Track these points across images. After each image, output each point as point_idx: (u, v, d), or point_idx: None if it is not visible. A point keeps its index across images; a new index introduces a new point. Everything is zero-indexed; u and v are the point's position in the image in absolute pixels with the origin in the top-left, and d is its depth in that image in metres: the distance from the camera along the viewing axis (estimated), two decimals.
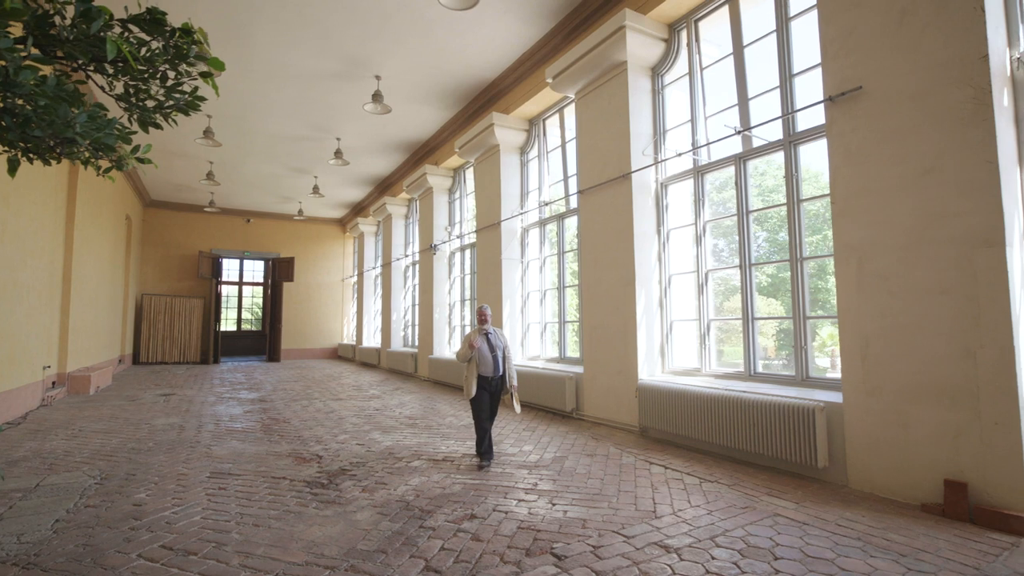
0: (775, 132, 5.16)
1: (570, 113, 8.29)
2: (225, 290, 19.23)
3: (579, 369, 7.23)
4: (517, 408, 5.08)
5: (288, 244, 19.29)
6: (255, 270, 19.94)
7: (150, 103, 2.02)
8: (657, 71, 6.47)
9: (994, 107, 3.37)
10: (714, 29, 6.12)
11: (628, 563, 2.81)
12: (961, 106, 3.51)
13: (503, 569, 2.76)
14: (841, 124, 4.17)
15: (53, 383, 8.92)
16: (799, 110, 4.88)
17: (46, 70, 1.85)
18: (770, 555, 2.90)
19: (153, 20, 1.76)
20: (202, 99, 2.10)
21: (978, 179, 3.41)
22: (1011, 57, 3.58)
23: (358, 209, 18.04)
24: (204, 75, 2.01)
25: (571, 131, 8.18)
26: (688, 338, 6.16)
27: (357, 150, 12.40)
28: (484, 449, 4.81)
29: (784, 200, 5.02)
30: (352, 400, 9.00)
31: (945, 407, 3.52)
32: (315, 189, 14.59)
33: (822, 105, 4.37)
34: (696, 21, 6.08)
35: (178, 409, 7.96)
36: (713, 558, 2.87)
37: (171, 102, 2.03)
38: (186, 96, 2.02)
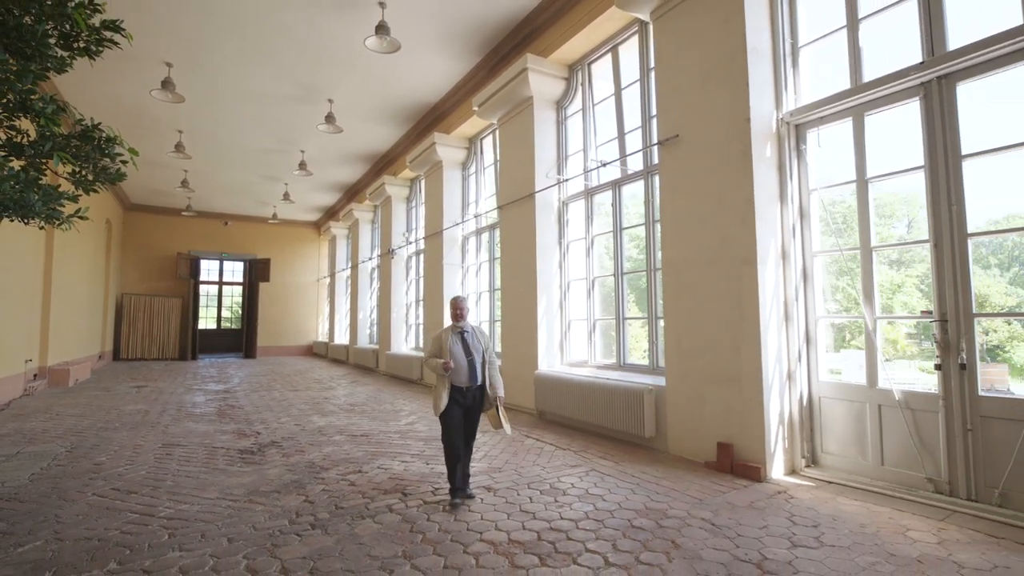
0: (640, 164, 6.22)
1: None
2: (206, 289, 20.11)
3: (500, 362, 8.27)
4: (507, 427, 3.84)
5: (265, 246, 20.17)
6: (235, 270, 20.79)
7: (90, 176, 3.06)
8: (561, 104, 7.51)
9: (754, 158, 4.44)
10: (605, 71, 7.16)
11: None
12: (736, 156, 4.57)
13: (359, 501, 3.79)
14: (667, 163, 5.23)
15: (35, 375, 9.83)
16: (642, 150, 5.95)
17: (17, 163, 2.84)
18: (561, 492, 3.95)
19: (84, 136, 2.79)
20: (124, 175, 3.14)
21: (744, 212, 4.48)
22: (777, 117, 4.65)
23: (331, 213, 18.98)
24: (124, 161, 3.07)
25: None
26: (583, 334, 7.21)
27: (321, 161, 13.36)
28: (458, 483, 3.73)
29: (643, 220, 6.08)
30: (308, 391, 9.99)
31: (723, 388, 4.58)
32: (285, 195, 15.54)
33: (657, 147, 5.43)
34: (589, 64, 7.13)
35: (148, 398, 8.91)
36: (518, 495, 3.91)
37: (104, 176, 3.07)
38: (112, 174, 3.09)
